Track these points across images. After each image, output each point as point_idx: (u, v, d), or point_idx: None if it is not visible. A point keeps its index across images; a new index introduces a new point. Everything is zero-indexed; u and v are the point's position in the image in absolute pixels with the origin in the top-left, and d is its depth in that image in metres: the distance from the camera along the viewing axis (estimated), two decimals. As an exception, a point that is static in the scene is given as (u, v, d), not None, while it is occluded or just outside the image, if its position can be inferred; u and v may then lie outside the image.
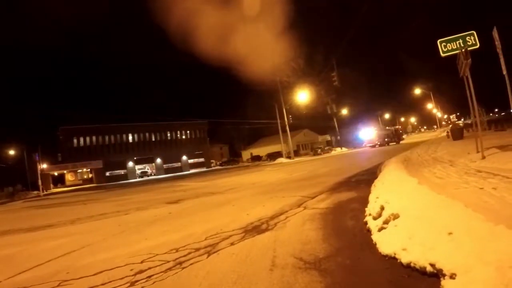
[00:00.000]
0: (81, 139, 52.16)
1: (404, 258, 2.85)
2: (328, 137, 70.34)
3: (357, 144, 51.86)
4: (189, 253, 4.11)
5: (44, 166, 44.20)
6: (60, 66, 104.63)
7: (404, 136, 50.81)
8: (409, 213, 3.72)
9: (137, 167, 56.12)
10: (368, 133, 44.58)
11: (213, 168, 56.85)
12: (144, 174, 55.63)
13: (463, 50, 8.47)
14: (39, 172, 36.32)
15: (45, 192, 36.37)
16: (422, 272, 2.61)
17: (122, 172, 54.17)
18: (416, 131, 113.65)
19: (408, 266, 2.77)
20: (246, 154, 70.44)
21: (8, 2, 63.60)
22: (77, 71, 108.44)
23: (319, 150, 50.20)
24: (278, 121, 43.24)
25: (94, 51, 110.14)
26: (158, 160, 58.05)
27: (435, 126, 60.33)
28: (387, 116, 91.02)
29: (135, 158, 55.90)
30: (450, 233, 2.81)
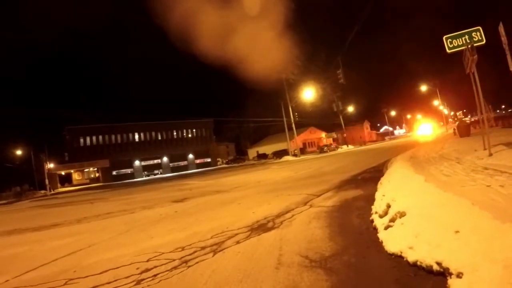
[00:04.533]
0: (88, 139, 52.60)
1: (411, 257, 2.83)
2: (334, 135, 70.12)
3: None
4: (195, 251, 4.12)
5: (51, 165, 44.55)
6: (66, 66, 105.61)
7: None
8: (416, 211, 3.69)
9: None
10: (425, 128, 59.43)
11: (219, 166, 56.92)
12: (150, 173, 55.94)
13: (469, 46, 8.37)
14: (46, 171, 36.61)
15: (52, 192, 36.70)
16: (428, 270, 2.59)
17: (129, 171, 54.55)
18: None
19: (414, 265, 2.75)
20: (252, 152, 70.30)
21: (13, 4, 64.14)
22: (82, 71, 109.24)
23: (325, 148, 50.02)
24: (284, 118, 43.01)
25: (100, 51, 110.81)
26: (165, 159, 58.32)
27: (442, 123, 60.89)
28: (393, 113, 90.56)
29: (141, 157, 56.18)
30: (457, 231, 2.78)
